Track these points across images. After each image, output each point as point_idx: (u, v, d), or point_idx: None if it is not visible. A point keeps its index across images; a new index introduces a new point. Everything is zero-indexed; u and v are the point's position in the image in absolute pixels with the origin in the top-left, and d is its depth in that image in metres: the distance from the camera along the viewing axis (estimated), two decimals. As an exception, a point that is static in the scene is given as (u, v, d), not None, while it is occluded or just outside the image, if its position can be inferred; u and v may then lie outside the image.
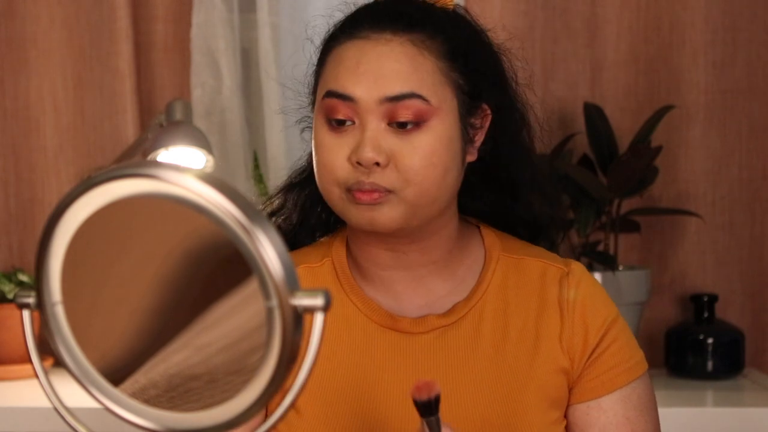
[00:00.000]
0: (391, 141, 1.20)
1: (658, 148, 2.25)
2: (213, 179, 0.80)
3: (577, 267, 1.32)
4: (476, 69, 1.27)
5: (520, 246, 1.34)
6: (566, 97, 2.43)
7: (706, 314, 2.33)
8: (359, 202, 1.21)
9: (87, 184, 0.83)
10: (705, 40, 2.39)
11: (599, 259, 2.24)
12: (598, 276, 2.22)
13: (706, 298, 2.33)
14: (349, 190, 1.21)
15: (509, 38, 1.33)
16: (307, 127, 1.34)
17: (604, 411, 1.28)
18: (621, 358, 1.29)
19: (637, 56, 2.42)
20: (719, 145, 2.42)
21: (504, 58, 1.34)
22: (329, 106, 1.22)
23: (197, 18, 2.46)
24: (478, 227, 1.35)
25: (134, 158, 2.24)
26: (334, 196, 1.23)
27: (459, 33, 1.28)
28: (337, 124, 1.21)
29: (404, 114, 1.20)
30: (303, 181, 1.38)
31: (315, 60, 1.30)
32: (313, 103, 1.30)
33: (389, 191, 1.20)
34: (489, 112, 1.29)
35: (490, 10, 2.40)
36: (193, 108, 2.40)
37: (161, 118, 2.24)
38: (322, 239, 1.38)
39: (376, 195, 1.20)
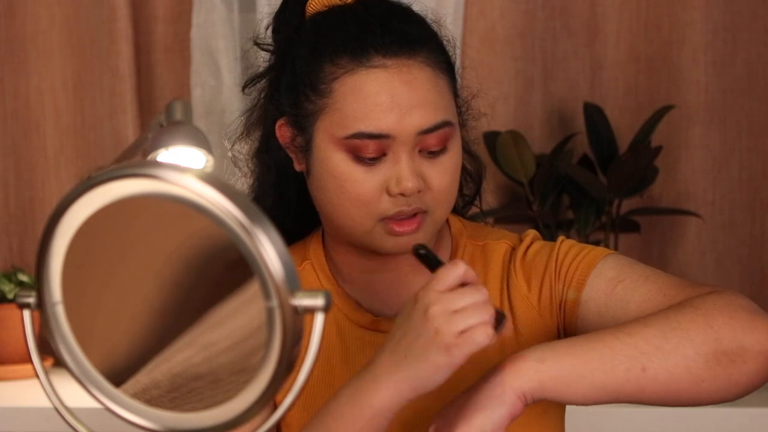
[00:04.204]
0: (423, 166, 1.21)
1: (658, 148, 2.25)
2: (213, 179, 0.80)
3: (531, 231, 1.32)
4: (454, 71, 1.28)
5: (483, 231, 1.34)
6: (566, 97, 2.43)
7: (706, 314, 2.32)
8: (399, 234, 1.21)
9: (87, 184, 0.83)
10: (705, 39, 2.39)
11: (599, 259, 2.24)
12: (598, 276, 2.22)
13: (706, 298, 2.32)
14: (383, 220, 1.21)
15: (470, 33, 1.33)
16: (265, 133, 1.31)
17: (592, 298, 1.23)
18: (579, 249, 1.26)
19: (637, 56, 2.42)
20: (719, 145, 2.41)
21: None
22: (359, 146, 1.19)
23: (197, 18, 2.46)
24: None
25: (134, 158, 2.24)
26: (364, 228, 1.22)
27: (440, 38, 1.27)
28: (369, 161, 1.20)
29: (436, 143, 1.20)
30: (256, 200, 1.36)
31: (274, 65, 1.29)
32: (274, 110, 1.27)
33: (424, 212, 1.21)
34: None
35: (490, 9, 2.40)
36: (193, 108, 2.40)
37: (161, 118, 2.24)
38: (296, 243, 1.36)
39: (415, 222, 1.21)
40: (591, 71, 2.43)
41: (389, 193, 1.20)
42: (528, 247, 1.29)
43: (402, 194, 1.19)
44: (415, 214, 1.21)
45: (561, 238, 1.30)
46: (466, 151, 1.33)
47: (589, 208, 2.28)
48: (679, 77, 2.40)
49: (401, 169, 1.19)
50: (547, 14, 2.43)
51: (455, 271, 1.08)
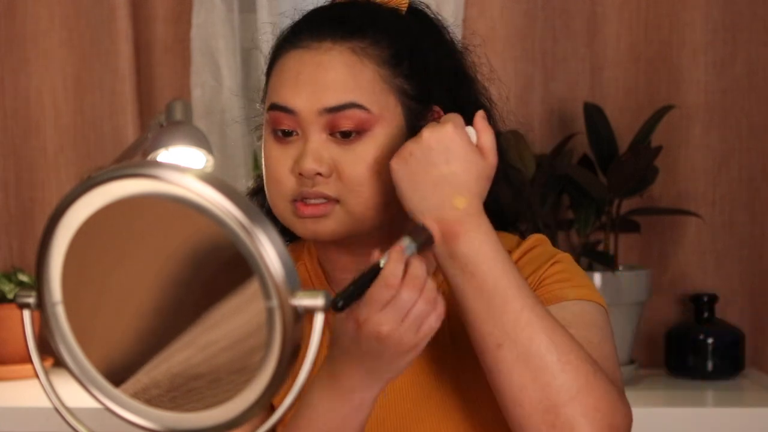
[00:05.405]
0: (334, 151, 1.20)
1: (658, 148, 2.25)
2: (213, 179, 0.80)
3: (533, 235, 1.30)
4: (424, 71, 1.25)
5: None
6: (566, 97, 2.43)
7: (706, 314, 2.33)
8: (302, 216, 1.20)
9: (87, 184, 0.83)
10: (705, 39, 2.39)
11: (599, 259, 2.24)
12: (597, 276, 2.22)
13: (706, 298, 2.33)
14: (293, 202, 1.20)
15: (471, 34, 1.32)
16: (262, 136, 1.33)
17: None
18: (565, 277, 1.24)
19: (638, 56, 2.42)
20: (719, 145, 2.41)
21: (464, 55, 1.31)
22: (273, 118, 1.21)
23: (197, 18, 2.46)
24: None
25: (134, 158, 2.24)
26: (279, 209, 1.22)
27: (405, 36, 1.25)
28: (283, 135, 1.21)
29: (345, 124, 1.19)
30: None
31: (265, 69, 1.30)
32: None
33: (336, 201, 1.20)
34: (442, 113, 1.25)
35: (490, 9, 2.40)
36: (193, 108, 2.40)
37: (161, 118, 2.24)
38: (295, 242, 1.36)
39: (321, 208, 1.20)
40: (591, 71, 2.43)
41: (293, 174, 1.21)
42: (526, 252, 1.27)
43: (301, 174, 1.19)
44: (324, 200, 1.20)
45: (563, 255, 1.28)
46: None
47: (589, 208, 2.28)
48: (679, 77, 2.40)
49: (305, 149, 1.20)
50: (547, 14, 2.43)
51: (383, 291, 1.06)
